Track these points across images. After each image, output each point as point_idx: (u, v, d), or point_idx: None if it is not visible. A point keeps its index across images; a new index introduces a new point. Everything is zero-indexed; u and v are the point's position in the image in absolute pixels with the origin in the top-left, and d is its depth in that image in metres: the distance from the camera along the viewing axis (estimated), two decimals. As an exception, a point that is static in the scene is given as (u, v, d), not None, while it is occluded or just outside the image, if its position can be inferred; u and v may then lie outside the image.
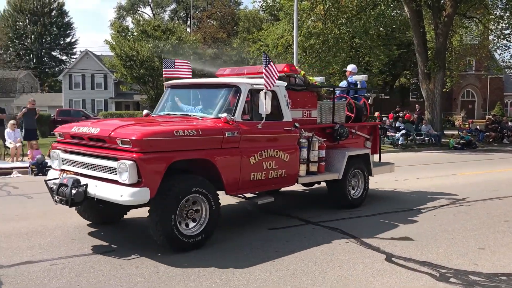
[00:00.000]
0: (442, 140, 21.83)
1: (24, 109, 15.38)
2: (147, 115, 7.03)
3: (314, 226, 6.81)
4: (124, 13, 53.65)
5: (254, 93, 6.42)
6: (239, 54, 37.45)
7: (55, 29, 48.82)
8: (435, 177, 11.70)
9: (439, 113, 23.56)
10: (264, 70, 6.26)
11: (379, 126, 9.49)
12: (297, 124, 6.95)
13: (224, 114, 6.08)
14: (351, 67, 10.00)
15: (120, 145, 5.21)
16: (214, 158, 5.75)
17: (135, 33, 34.02)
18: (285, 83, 7.05)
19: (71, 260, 5.23)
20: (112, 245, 5.83)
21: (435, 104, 23.10)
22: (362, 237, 6.18)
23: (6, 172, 12.28)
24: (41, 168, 12.08)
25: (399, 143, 19.51)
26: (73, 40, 48.69)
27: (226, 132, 5.91)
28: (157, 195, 5.18)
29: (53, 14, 48.93)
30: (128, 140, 5.14)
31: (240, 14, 47.61)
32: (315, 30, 23.31)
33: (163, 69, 7.96)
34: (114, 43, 31.12)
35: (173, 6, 53.33)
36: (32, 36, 45.36)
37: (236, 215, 7.74)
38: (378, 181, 9.76)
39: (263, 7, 26.45)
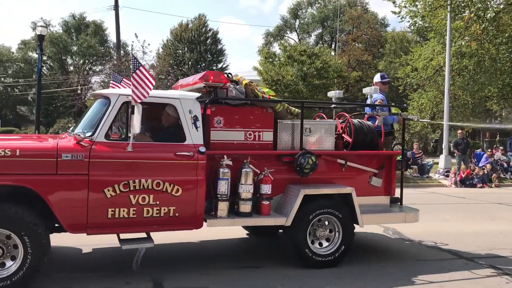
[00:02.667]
0: None
1: None
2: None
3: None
4: (272, 39, 54.66)
5: (139, 107, 4.89)
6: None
7: (209, 56, 52.19)
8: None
9: None
10: (132, 77, 4.72)
11: (396, 157, 6.74)
12: (202, 149, 5.14)
13: (79, 131, 4.73)
14: (378, 77, 7.62)
15: None
16: (40, 186, 4.42)
17: (282, 58, 34.32)
18: (195, 95, 5.34)
19: None
20: None
21: None
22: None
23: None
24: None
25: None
26: (224, 66, 51.49)
27: (62, 154, 4.54)
28: None
29: (208, 42, 52.46)
30: None
31: (387, 36, 44.58)
32: (468, 49, 21.23)
33: (111, 82, 6.90)
34: (261, 69, 31.84)
35: (319, 30, 52.45)
36: (189, 62, 49.28)
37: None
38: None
39: (412, 27, 24.30)
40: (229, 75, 5.81)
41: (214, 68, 55.43)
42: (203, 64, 52.47)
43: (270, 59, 35.72)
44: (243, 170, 5.41)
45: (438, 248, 7.01)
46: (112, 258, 6.06)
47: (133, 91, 4.65)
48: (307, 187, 5.71)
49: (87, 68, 49.61)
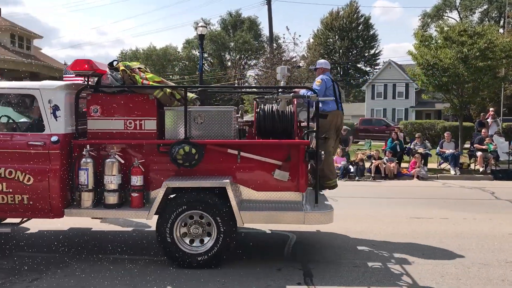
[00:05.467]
0: None
1: None
2: None
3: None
4: (429, 20, 49.74)
5: (-3, 98, 5.26)
6: None
7: (360, 42, 50.35)
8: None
9: None
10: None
11: (305, 147, 5.48)
12: (55, 138, 5.18)
13: None
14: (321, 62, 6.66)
15: None
16: None
17: (439, 41, 31.20)
18: (55, 84, 5.39)
19: None
20: None
21: None
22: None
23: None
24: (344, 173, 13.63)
25: None
26: (376, 52, 48.93)
27: None
28: None
29: (359, 28, 50.61)
30: None
31: None
32: None
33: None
34: (417, 53, 29.60)
35: (485, 6, 45.56)
36: (340, 50, 48.34)
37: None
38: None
39: None
40: (113, 62, 5.69)
41: (366, 54, 53.29)
42: (354, 51, 50.83)
43: (426, 42, 32.70)
44: (106, 160, 5.30)
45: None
46: (264, 243, 6.54)
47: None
48: (176, 180, 5.28)
49: (242, 62, 52.83)
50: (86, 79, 5.78)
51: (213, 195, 5.26)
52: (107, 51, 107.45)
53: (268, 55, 32.72)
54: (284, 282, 4.90)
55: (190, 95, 5.85)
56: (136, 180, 5.33)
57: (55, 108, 5.28)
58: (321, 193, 6.20)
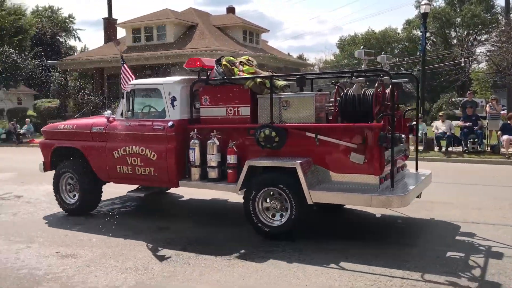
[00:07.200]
0: None
1: None
2: None
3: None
4: None
5: (137, 92, 6.87)
6: None
7: None
8: None
9: None
10: (121, 71, 6.68)
11: (378, 130, 5.37)
12: (170, 123, 6.43)
13: (109, 112, 7.16)
14: None
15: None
16: (82, 148, 7.17)
17: None
18: (174, 79, 6.61)
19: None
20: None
21: None
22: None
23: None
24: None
25: None
26: None
27: (93, 128, 7.08)
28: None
29: None
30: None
31: None
32: None
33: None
34: None
35: None
36: None
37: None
38: None
39: None
40: (220, 58, 6.63)
41: None
42: None
43: None
44: (208, 142, 6.33)
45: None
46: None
47: (121, 82, 6.64)
48: (256, 159, 5.95)
49: (471, 39, 47.70)
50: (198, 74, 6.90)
51: (289, 174, 5.72)
52: (326, 39, 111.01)
53: (504, 28, 29.29)
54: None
55: (280, 83, 6.38)
56: (230, 159, 6.21)
57: (173, 99, 6.56)
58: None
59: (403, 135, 5.65)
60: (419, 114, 7.77)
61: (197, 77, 6.71)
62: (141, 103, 6.95)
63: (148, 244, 5.83)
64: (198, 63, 6.57)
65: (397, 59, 50.03)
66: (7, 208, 8.07)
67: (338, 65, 51.98)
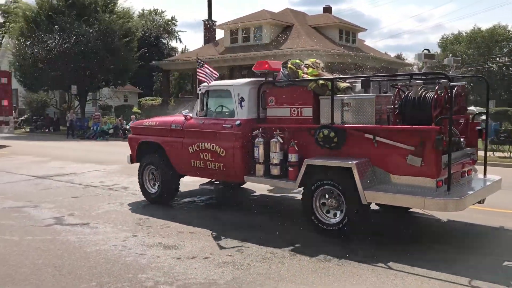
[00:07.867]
0: None
1: None
2: None
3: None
4: None
5: (211, 93, 7.46)
6: None
7: None
8: None
9: None
10: (198, 73, 7.27)
11: (435, 133, 5.28)
12: (237, 122, 6.88)
13: (186, 111, 7.83)
14: None
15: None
16: (162, 143, 7.92)
17: None
18: (243, 81, 7.04)
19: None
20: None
21: None
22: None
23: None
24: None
25: None
26: None
27: (172, 125, 7.79)
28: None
29: None
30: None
31: None
32: None
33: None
34: None
35: None
36: None
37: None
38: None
39: None
40: (287, 61, 6.94)
41: None
42: None
43: None
44: (271, 140, 6.69)
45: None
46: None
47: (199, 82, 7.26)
48: (314, 159, 6.18)
49: None
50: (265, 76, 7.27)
51: (346, 174, 5.87)
52: (426, 38, 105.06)
53: None
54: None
55: (343, 85, 6.53)
56: (292, 157, 6.51)
57: (241, 100, 7.02)
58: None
59: (462, 139, 5.52)
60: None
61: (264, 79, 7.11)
62: (214, 103, 7.50)
63: (244, 241, 5.96)
64: (266, 65, 6.96)
65: (506, 59, 46.31)
66: (115, 198, 8.75)
67: (439, 66, 49.24)
